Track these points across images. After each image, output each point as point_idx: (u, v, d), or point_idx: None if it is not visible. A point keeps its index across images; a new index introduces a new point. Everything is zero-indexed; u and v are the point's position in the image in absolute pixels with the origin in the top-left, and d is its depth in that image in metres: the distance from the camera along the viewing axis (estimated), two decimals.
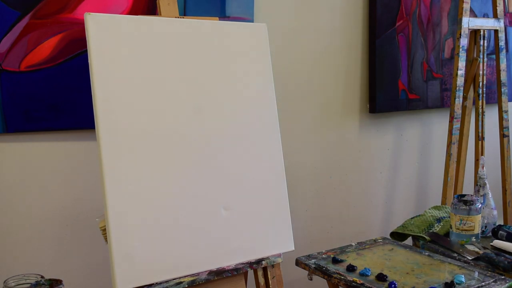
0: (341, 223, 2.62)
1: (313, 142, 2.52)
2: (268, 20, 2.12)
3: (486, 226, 2.07)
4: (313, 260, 1.88)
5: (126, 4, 1.95)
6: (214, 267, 1.69)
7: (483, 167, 2.14)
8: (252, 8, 2.21)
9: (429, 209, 2.34)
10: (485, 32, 2.70)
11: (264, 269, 1.82)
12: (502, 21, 2.65)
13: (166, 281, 1.60)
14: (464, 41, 2.53)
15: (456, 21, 2.79)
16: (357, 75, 2.61)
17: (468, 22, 2.54)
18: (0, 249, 1.86)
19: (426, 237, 2.05)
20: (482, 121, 2.71)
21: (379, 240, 2.09)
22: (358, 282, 1.70)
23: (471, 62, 2.70)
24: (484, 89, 2.71)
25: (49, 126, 1.88)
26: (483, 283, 1.67)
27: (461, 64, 2.54)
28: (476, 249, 1.92)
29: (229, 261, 1.72)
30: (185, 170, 1.66)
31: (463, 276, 1.69)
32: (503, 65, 2.66)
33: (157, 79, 1.64)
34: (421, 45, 2.74)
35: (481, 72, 2.69)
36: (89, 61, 1.54)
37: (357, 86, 2.62)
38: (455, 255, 1.91)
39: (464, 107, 2.69)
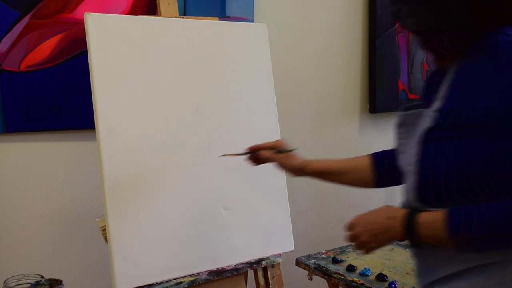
0: (341, 223, 2.61)
1: (313, 142, 2.52)
2: (268, 20, 2.12)
3: None
4: (313, 260, 1.88)
5: (126, 4, 1.95)
6: (214, 267, 1.68)
7: None
8: (252, 8, 2.21)
9: None
10: None
11: (264, 269, 1.82)
12: None
13: (166, 281, 1.60)
14: None
15: None
16: (357, 75, 2.61)
17: None
18: (0, 249, 1.86)
19: None
20: None
21: None
22: (358, 282, 1.70)
23: None
24: None
25: (49, 126, 1.88)
26: None
27: None
28: None
29: (229, 261, 1.72)
30: (185, 170, 1.66)
31: None
32: None
33: (157, 79, 1.64)
34: None
35: None
36: (89, 61, 1.54)
37: (357, 86, 2.62)
38: None
39: None
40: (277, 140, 1.48)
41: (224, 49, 1.78)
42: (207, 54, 1.74)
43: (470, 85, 1.02)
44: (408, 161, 1.07)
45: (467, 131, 1.01)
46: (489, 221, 0.96)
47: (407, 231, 1.04)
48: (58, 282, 1.62)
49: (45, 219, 1.92)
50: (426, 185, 1.02)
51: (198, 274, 1.65)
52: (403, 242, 1.13)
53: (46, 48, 1.85)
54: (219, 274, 1.69)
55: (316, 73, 2.49)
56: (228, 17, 2.16)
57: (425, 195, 1.03)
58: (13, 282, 1.60)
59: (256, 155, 1.45)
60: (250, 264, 1.76)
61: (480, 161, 0.98)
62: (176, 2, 1.81)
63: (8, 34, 1.79)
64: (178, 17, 1.78)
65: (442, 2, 1.04)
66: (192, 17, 1.87)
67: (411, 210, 1.05)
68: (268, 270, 1.82)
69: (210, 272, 1.68)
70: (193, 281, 1.64)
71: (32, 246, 1.90)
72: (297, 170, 1.43)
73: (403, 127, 1.16)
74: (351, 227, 1.17)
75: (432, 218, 1.01)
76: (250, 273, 1.87)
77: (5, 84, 1.80)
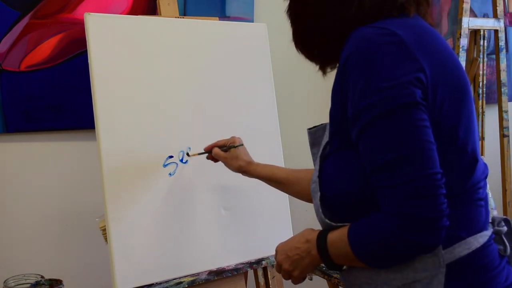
0: None
1: None
2: (268, 20, 2.12)
3: None
4: None
5: (126, 4, 1.95)
6: (214, 267, 1.68)
7: None
8: (252, 8, 2.21)
9: None
10: (485, 32, 2.70)
11: (264, 269, 1.82)
12: (502, 21, 2.65)
13: (166, 281, 1.60)
14: (464, 41, 2.52)
15: (456, 21, 2.78)
16: None
17: (468, 22, 2.54)
18: (0, 249, 1.86)
19: None
20: (482, 121, 2.71)
21: None
22: None
23: (471, 62, 2.69)
24: (484, 89, 2.71)
25: (49, 126, 1.88)
26: None
27: (461, 64, 2.54)
28: None
29: (229, 261, 1.72)
30: (185, 170, 1.66)
31: None
32: (503, 65, 2.65)
33: (156, 79, 1.64)
34: None
35: (481, 72, 2.69)
36: (89, 61, 1.54)
37: None
38: None
39: None
40: (231, 138, 1.50)
41: (224, 49, 1.78)
42: (207, 54, 1.74)
43: (333, 88, 0.97)
44: (314, 178, 1.01)
45: (339, 142, 0.96)
46: (359, 236, 0.91)
47: (321, 253, 0.97)
48: (58, 282, 1.63)
49: (45, 219, 1.92)
50: (328, 202, 0.97)
51: (198, 274, 1.65)
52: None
53: (46, 48, 1.85)
54: (219, 274, 1.69)
55: (316, 73, 2.49)
56: (228, 17, 2.16)
57: (329, 211, 0.97)
58: (13, 282, 1.60)
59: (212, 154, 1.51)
60: (250, 264, 1.76)
61: (352, 174, 0.93)
62: (176, 2, 1.81)
63: (8, 34, 1.79)
64: (178, 17, 1.78)
65: None
66: (192, 17, 1.88)
67: (323, 230, 0.99)
68: (268, 270, 1.82)
69: (210, 272, 1.68)
70: (193, 281, 1.64)
71: (32, 246, 1.90)
72: (240, 170, 1.46)
73: (315, 147, 1.10)
74: (275, 255, 1.09)
75: (338, 235, 0.95)
76: (250, 273, 1.87)
77: (5, 84, 1.80)
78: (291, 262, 1.03)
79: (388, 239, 0.87)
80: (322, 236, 0.98)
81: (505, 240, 0.99)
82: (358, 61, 0.89)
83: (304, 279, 1.07)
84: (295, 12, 1.06)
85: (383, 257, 0.91)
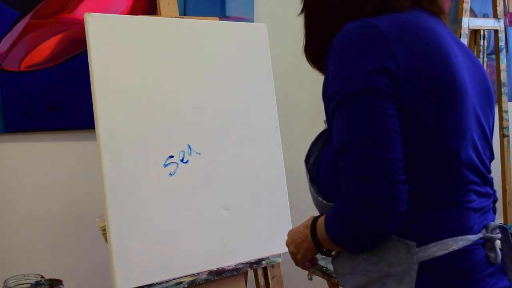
0: None
1: None
2: (268, 20, 2.12)
3: None
4: None
5: (126, 4, 1.95)
6: (214, 267, 1.68)
7: None
8: (252, 8, 2.21)
9: None
10: (485, 32, 2.70)
11: (264, 269, 1.82)
12: (502, 21, 2.65)
13: (166, 281, 1.60)
14: (464, 41, 2.52)
15: (456, 21, 2.78)
16: None
17: (468, 22, 2.54)
18: (0, 249, 1.86)
19: None
20: None
21: None
22: None
23: None
24: None
25: (49, 126, 1.88)
26: None
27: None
28: None
29: (229, 261, 1.72)
30: (185, 170, 1.66)
31: None
32: (503, 65, 2.65)
33: (156, 79, 1.64)
34: None
35: None
36: (89, 61, 1.54)
37: None
38: None
39: None
40: None
41: (224, 49, 1.78)
42: (207, 54, 1.74)
43: (324, 78, 1.04)
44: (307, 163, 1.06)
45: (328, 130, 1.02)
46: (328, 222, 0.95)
47: (313, 238, 1.00)
48: (58, 282, 1.63)
49: (45, 219, 1.92)
50: (318, 183, 1.01)
51: (198, 274, 1.65)
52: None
53: (46, 48, 1.85)
54: (219, 274, 1.69)
55: (316, 73, 2.49)
56: (228, 17, 2.16)
57: (321, 192, 1.01)
58: (13, 282, 1.60)
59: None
60: (250, 264, 1.76)
61: (328, 162, 0.98)
62: (176, 2, 1.81)
63: (8, 34, 1.79)
64: (178, 17, 1.78)
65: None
66: (192, 17, 1.88)
67: (317, 216, 1.02)
68: (268, 270, 1.82)
69: (210, 272, 1.68)
70: (193, 281, 1.64)
71: (32, 246, 1.90)
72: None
73: None
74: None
75: (323, 219, 0.98)
76: (250, 273, 1.87)
77: (5, 84, 1.80)
78: (295, 245, 1.08)
79: (344, 220, 0.90)
80: (314, 222, 1.01)
81: (497, 248, 0.97)
82: (335, 51, 0.94)
83: (311, 264, 1.11)
84: (309, 19, 1.14)
85: (346, 240, 0.94)
